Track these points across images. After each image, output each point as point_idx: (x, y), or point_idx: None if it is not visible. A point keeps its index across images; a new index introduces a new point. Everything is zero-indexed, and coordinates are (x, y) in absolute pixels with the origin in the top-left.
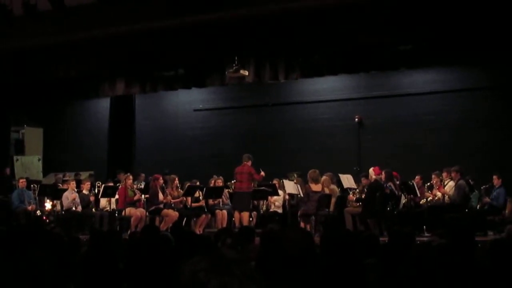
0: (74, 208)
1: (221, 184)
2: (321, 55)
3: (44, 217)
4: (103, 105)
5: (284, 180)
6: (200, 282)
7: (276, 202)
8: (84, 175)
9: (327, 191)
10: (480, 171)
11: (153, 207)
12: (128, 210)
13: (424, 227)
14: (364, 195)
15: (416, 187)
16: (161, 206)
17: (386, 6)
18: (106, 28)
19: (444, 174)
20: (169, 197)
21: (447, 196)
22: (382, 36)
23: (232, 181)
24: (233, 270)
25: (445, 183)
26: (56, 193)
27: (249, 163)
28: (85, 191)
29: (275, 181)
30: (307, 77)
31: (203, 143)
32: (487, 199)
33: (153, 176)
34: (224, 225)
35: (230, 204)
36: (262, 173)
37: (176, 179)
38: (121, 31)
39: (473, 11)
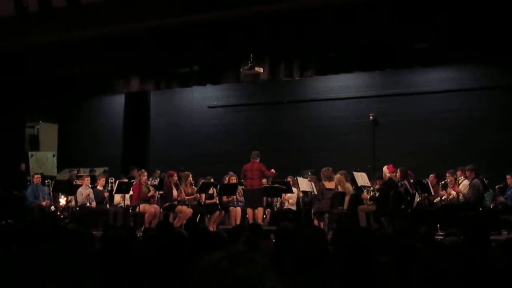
0: (88, 204)
1: (235, 181)
2: (336, 53)
3: (59, 213)
4: (118, 101)
5: (298, 178)
6: (224, 270)
7: (290, 199)
8: (98, 171)
9: (340, 189)
10: (494, 170)
11: (167, 204)
12: (142, 207)
13: (438, 225)
14: (378, 193)
15: (430, 186)
16: (175, 202)
17: (401, 4)
18: (121, 25)
19: (458, 173)
20: (183, 194)
21: (461, 195)
22: (397, 34)
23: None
24: (255, 259)
25: (459, 182)
26: (70, 189)
27: (258, 160)
28: (99, 187)
29: (289, 179)
30: (321, 74)
31: (218, 140)
32: (501, 198)
33: (167, 172)
34: (238, 222)
35: (244, 201)
36: (273, 170)
37: (190, 175)
38: (136, 27)
39: (489, 9)
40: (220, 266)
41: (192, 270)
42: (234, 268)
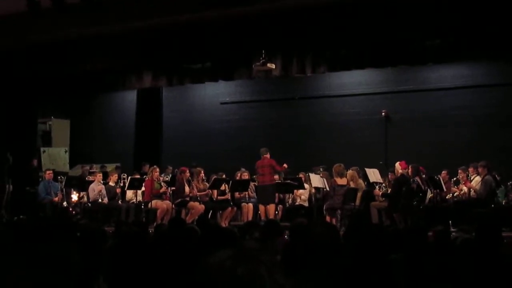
0: (100, 200)
1: (247, 177)
2: (349, 49)
3: (71, 209)
4: (130, 97)
5: (310, 174)
6: (228, 269)
7: (302, 195)
8: (110, 167)
9: (352, 185)
10: (507, 167)
11: (179, 200)
12: (154, 203)
13: (450, 222)
14: (390, 189)
15: (442, 182)
16: (187, 198)
17: (414, 1)
18: (134, 21)
19: (471, 169)
20: (195, 190)
21: (473, 191)
22: (410, 31)
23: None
24: (259, 258)
25: (472, 178)
26: (82, 185)
27: (268, 155)
28: (111, 183)
29: (301, 175)
30: (334, 71)
31: (230, 136)
32: None
33: (179, 168)
34: (250, 218)
35: (256, 197)
36: (285, 165)
37: (202, 172)
38: (148, 24)
39: (502, 6)
40: (224, 265)
41: (198, 269)
42: (238, 267)
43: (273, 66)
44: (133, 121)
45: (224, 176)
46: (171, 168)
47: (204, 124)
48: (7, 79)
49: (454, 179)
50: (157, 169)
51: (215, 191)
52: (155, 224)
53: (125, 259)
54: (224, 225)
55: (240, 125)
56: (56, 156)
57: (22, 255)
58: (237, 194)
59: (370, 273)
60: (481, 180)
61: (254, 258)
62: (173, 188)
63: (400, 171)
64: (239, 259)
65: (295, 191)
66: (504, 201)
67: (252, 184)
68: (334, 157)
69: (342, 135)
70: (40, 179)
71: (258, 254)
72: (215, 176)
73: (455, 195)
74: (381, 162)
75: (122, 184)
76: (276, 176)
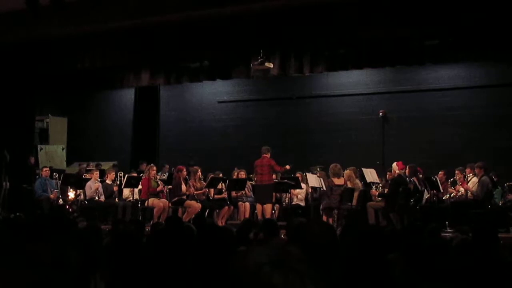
0: (97, 198)
1: (244, 176)
2: (347, 49)
3: (67, 206)
4: (128, 95)
5: (307, 173)
6: (265, 275)
7: (299, 195)
8: (107, 165)
9: (350, 185)
10: (504, 168)
11: (176, 198)
12: (151, 201)
13: (447, 222)
14: (387, 190)
15: (439, 183)
16: (184, 197)
17: (413, 1)
18: (132, 19)
19: (468, 170)
20: (192, 189)
21: (470, 192)
22: (408, 31)
23: (253, 174)
24: (296, 267)
25: (469, 179)
26: (79, 183)
27: (268, 155)
28: (108, 181)
29: (298, 174)
30: (332, 70)
31: (227, 135)
32: (510, 196)
33: (177, 167)
34: (247, 217)
35: (252, 196)
36: (288, 166)
37: (199, 170)
38: (147, 22)
39: (500, 6)
40: (260, 270)
41: (232, 268)
42: (274, 275)
43: (271, 65)
44: (130, 119)
45: (221, 175)
46: (168, 166)
47: (202, 123)
48: (5, 76)
49: (451, 179)
50: (154, 168)
51: (212, 190)
52: (151, 222)
53: (122, 257)
54: (220, 224)
55: (238, 124)
56: (53, 154)
57: (19, 253)
58: (234, 193)
59: (367, 273)
60: (478, 181)
61: (291, 266)
62: (170, 186)
63: (397, 171)
64: (276, 266)
65: (291, 190)
66: (500, 202)
67: (249, 183)
68: (332, 157)
69: (339, 135)
70: (37, 177)
71: (295, 262)
72: (212, 175)
73: (452, 195)
74: (378, 162)
75: (119, 182)
76: (274, 176)
